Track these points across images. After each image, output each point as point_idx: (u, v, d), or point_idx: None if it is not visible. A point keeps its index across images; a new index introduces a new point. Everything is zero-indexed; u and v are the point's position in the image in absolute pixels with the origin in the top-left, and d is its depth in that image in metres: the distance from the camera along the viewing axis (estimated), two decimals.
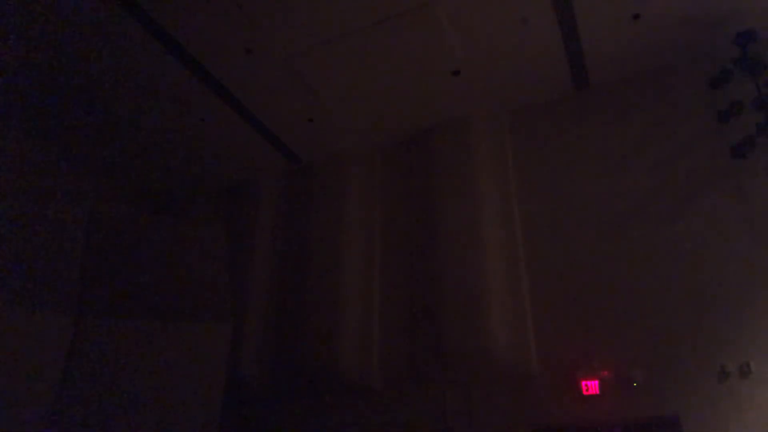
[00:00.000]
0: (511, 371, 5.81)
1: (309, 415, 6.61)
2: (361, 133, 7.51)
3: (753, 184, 5.49)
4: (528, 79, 6.60)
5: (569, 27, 5.89)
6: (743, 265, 5.25)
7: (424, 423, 5.97)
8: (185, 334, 6.32)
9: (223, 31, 5.83)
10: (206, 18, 5.67)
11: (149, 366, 6.06)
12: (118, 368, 5.96)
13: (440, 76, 6.43)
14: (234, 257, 7.27)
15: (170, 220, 8.13)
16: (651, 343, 5.35)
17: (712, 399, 4.94)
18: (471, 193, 6.55)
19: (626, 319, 5.52)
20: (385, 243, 7.20)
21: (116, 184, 8.37)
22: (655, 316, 5.41)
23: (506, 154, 6.88)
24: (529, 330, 5.89)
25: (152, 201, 8.83)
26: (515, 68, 6.43)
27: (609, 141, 6.37)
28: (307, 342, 6.66)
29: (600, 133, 6.46)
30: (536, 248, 6.26)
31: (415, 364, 6.27)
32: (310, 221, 7.51)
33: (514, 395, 5.69)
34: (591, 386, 5.39)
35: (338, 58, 6.14)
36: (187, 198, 8.78)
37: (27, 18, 5.56)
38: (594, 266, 5.88)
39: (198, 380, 6.17)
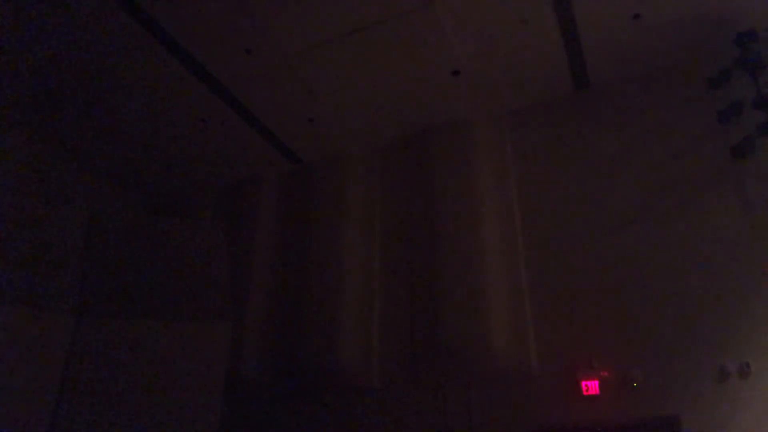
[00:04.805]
0: (511, 371, 5.81)
1: (309, 415, 6.61)
2: (361, 133, 7.51)
3: (753, 184, 5.49)
4: (528, 79, 6.60)
5: (569, 27, 5.88)
6: (743, 265, 5.25)
7: (424, 423, 5.97)
8: (185, 334, 6.32)
9: (223, 31, 5.83)
10: (206, 18, 5.67)
11: (149, 366, 6.06)
12: (118, 368, 5.97)
13: (440, 76, 6.43)
14: (234, 257, 7.27)
15: (170, 220, 8.13)
16: (651, 343, 5.35)
17: (712, 399, 4.94)
18: (471, 193, 6.55)
19: (626, 319, 5.52)
20: (385, 243, 7.20)
21: (116, 184, 8.38)
22: (655, 316, 5.41)
23: (506, 154, 6.88)
24: (529, 330, 5.89)
25: (152, 201, 8.83)
26: (515, 68, 6.43)
27: (609, 141, 6.37)
28: (307, 341, 6.66)
29: (600, 133, 6.46)
30: (536, 248, 6.26)
31: (415, 364, 6.27)
32: (310, 221, 7.51)
33: (514, 395, 5.70)
34: (591, 386, 5.39)
35: (338, 58, 6.14)
36: (187, 198, 8.78)
37: (27, 18, 5.56)
38: (594, 266, 5.88)
39: (198, 380, 6.17)
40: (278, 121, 7.30)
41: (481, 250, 6.21)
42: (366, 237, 7.22)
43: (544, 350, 5.76)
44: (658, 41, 6.04)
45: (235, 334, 6.77)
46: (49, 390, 5.67)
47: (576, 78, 6.62)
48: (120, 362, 6.00)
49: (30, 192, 6.44)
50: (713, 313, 5.21)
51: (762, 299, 5.07)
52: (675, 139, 6.03)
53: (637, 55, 6.24)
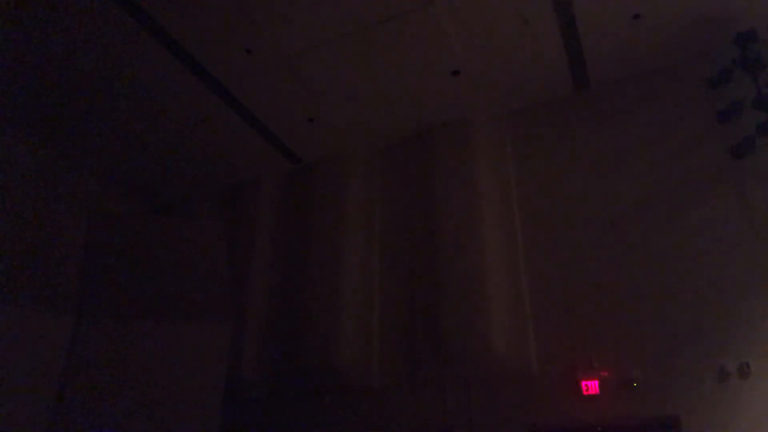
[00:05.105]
0: (511, 371, 5.81)
1: (309, 415, 6.61)
2: (362, 133, 7.51)
3: (753, 184, 5.49)
4: (528, 79, 6.60)
5: (569, 27, 5.89)
6: (743, 265, 5.25)
7: (424, 423, 5.97)
8: (185, 334, 6.32)
9: (223, 31, 5.83)
10: (206, 18, 5.67)
11: (149, 366, 6.06)
12: (118, 368, 5.96)
13: (440, 76, 6.43)
14: (234, 257, 7.27)
15: (170, 220, 8.12)
16: (651, 343, 5.35)
17: (712, 399, 4.95)
18: (471, 193, 6.55)
19: (626, 319, 5.52)
20: (385, 243, 7.20)
21: (116, 184, 8.37)
22: (655, 317, 5.41)
23: (506, 154, 6.88)
24: (529, 330, 5.89)
25: (152, 201, 8.83)
26: (515, 68, 6.43)
27: (609, 141, 6.37)
28: (307, 342, 6.66)
29: (600, 133, 6.46)
30: (536, 248, 6.26)
31: (415, 364, 6.27)
32: (310, 221, 7.51)
33: (514, 395, 5.70)
34: (591, 386, 5.40)
35: (338, 58, 6.14)
36: (187, 198, 8.78)
37: (27, 18, 5.56)
38: (594, 266, 5.88)
39: (198, 380, 6.16)
40: (278, 121, 7.30)
41: (481, 250, 6.21)
42: (366, 237, 7.22)
43: (544, 350, 5.76)
44: (658, 41, 6.04)
45: (235, 334, 6.77)
46: (49, 390, 5.67)
47: (576, 78, 6.62)
48: (120, 362, 6.00)
49: (30, 192, 6.44)
50: (713, 313, 5.21)
51: (762, 299, 5.07)
52: (675, 139, 6.03)
53: (637, 55, 6.24)
